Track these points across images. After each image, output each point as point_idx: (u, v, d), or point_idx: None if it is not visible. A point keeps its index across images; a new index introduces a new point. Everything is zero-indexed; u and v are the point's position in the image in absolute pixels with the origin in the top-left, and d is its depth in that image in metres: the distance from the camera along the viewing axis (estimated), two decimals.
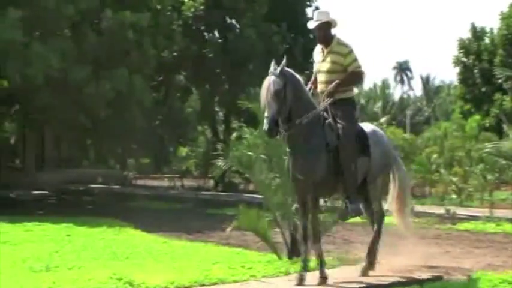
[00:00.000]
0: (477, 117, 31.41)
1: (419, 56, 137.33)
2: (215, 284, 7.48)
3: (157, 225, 14.61)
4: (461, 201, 20.40)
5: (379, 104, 53.69)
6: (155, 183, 31.41)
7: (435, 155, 25.64)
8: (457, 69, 36.85)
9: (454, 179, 22.17)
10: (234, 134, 32.52)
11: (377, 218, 7.90)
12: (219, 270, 8.18)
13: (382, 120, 39.38)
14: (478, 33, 37.24)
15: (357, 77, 7.57)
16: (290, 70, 7.09)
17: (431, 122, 57.92)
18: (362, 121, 8.45)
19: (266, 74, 7.04)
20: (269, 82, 6.89)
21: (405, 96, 77.33)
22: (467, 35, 37.44)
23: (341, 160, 7.07)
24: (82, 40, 19.52)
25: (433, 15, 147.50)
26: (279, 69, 6.94)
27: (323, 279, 7.17)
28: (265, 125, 6.76)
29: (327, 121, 7.22)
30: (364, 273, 7.70)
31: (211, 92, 31.16)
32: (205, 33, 30.82)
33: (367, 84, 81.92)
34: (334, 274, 7.86)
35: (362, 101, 53.87)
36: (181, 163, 29.36)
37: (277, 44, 28.16)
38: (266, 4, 28.31)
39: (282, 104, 6.82)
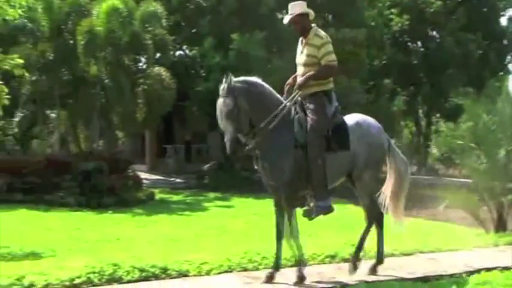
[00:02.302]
0: None
1: None
2: (432, 251, 7.19)
3: None
4: None
5: None
6: None
7: None
8: None
9: None
10: (433, 127, 31.51)
11: (375, 217, 6.33)
12: (434, 240, 7.86)
13: None
14: None
15: (329, 70, 5.87)
16: (242, 79, 5.59)
17: None
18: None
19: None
20: (219, 105, 5.42)
21: None
22: None
23: (308, 155, 5.57)
24: None
25: None
26: (226, 87, 5.42)
27: (300, 278, 5.79)
28: (228, 149, 5.34)
29: (296, 116, 5.70)
30: (373, 271, 6.24)
31: (415, 93, 30.86)
32: (410, 44, 30.27)
33: None
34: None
35: None
36: None
37: (472, 51, 26.68)
38: (463, 16, 27.10)
39: (239, 120, 5.39)
